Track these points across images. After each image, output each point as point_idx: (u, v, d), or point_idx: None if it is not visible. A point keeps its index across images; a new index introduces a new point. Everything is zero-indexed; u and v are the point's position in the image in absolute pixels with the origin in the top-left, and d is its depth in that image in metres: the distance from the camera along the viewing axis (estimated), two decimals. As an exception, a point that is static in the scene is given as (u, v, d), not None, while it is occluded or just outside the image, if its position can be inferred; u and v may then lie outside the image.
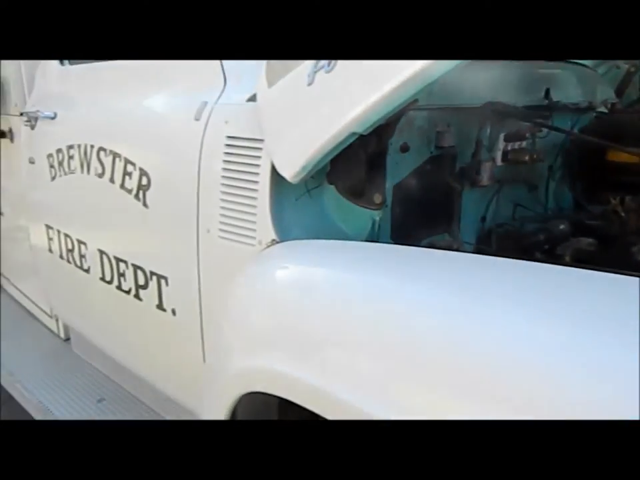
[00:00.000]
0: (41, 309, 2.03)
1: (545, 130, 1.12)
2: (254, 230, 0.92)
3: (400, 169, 0.94)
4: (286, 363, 0.75)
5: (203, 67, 1.05)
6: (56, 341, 1.94)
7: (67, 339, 1.90)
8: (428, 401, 0.60)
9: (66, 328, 1.89)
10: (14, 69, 1.67)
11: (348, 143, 0.78)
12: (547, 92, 1.14)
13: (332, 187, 0.94)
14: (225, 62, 1.02)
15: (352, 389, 0.65)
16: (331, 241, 0.87)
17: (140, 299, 1.21)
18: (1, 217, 2.16)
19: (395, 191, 0.94)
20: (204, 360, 1.08)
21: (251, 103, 0.94)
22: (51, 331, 1.99)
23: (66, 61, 1.48)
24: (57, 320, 1.92)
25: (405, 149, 0.92)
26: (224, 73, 1.02)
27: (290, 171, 0.84)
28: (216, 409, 0.88)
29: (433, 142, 0.98)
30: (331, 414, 0.67)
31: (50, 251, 1.54)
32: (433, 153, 0.99)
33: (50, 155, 1.43)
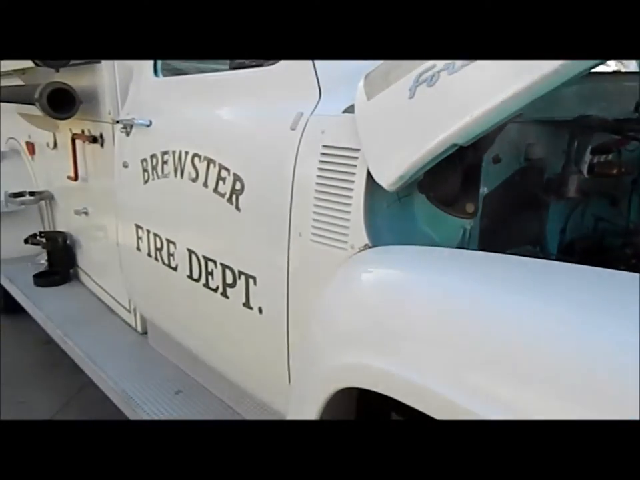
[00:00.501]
0: (119, 303, 2.16)
1: (635, 143, 1.11)
2: (346, 235, 0.97)
3: (490, 179, 0.96)
4: (382, 360, 0.79)
5: (297, 80, 1.11)
6: (133, 335, 2.06)
7: (144, 333, 2.02)
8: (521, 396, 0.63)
9: (143, 322, 2.00)
10: (108, 79, 1.80)
11: (447, 154, 0.82)
12: (637, 106, 1.13)
13: (422, 195, 0.97)
14: (320, 75, 1.08)
15: (444, 383, 0.69)
16: (424, 247, 0.90)
17: (227, 297, 1.28)
18: (86, 216, 2.31)
19: (484, 201, 0.96)
20: (288, 357, 1.13)
21: (347, 115, 0.99)
22: (129, 325, 2.11)
23: (160, 72, 1.59)
24: (134, 314, 2.04)
25: (496, 160, 0.94)
26: (319, 86, 1.07)
27: (387, 180, 0.88)
28: (308, 405, 0.93)
29: (522, 154, 1.00)
30: (426, 407, 0.71)
31: (138, 249, 1.65)
32: (522, 165, 1.01)
33: (144, 160, 1.53)
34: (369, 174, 0.93)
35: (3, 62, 2.35)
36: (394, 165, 0.86)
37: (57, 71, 1.90)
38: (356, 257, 0.94)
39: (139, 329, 2.03)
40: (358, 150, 0.94)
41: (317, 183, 1.01)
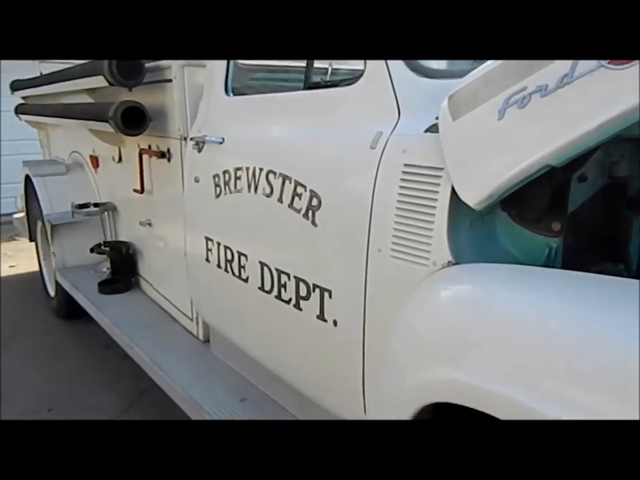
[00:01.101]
0: (182, 312, 2.23)
1: None
2: (428, 251, 0.99)
3: (575, 197, 0.97)
4: (470, 375, 0.80)
5: (376, 99, 1.15)
6: (196, 342, 2.12)
7: (206, 341, 2.08)
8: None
9: (206, 330, 2.07)
10: (178, 97, 1.88)
11: (538, 175, 0.83)
12: None
13: (505, 213, 0.99)
14: (399, 94, 1.11)
15: (530, 395, 0.71)
16: (510, 265, 0.91)
17: (300, 309, 1.32)
18: (149, 227, 2.41)
19: (569, 219, 0.97)
20: (363, 370, 1.16)
21: (428, 134, 1.01)
22: (191, 333, 2.18)
23: (230, 91, 1.65)
24: (197, 322, 2.11)
25: (582, 178, 0.95)
26: (398, 106, 1.10)
27: (475, 198, 0.90)
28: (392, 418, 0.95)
29: (606, 172, 1.00)
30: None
31: (207, 260, 1.71)
32: (605, 183, 1.01)
33: (216, 175, 1.60)
34: (452, 192, 0.95)
35: (72, 81, 2.48)
36: (482, 184, 0.88)
37: (130, 90, 2.01)
38: (439, 274, 0.96)
39: (201, 337, 2.10)
40: (441, 169, 0.97)
41: (398, 201, 1.03)
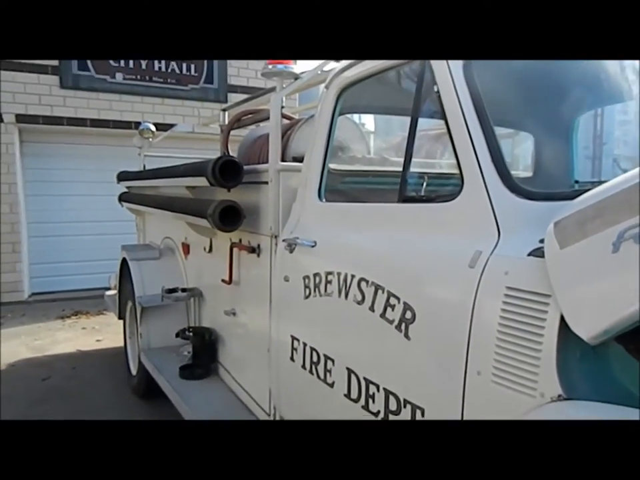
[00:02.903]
0: (259, 405, 2.22)
1: None
2: (535, 381, 0.94)
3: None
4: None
5: (475, 218, 1.16)
6: (271, 439, 2.09)
7: (282, 439, 2.04)
8: None
9: (282, 428, 2.04)
10: (273, 198, 2.00)
11: (662, 312, 0.79)
12: None
13: (620, 346, 0.93)
14: (498, 215, 1.12)
15: None
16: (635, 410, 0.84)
17: (389, 424, 1.27)
18: (233, 316, 2.49)
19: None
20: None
21: (532, 258, 1.00)
22: (266, 427, 2.15)
23: (323, 197, 1.74)
24: (274, 418, 2.08)
25: None
26: (497, 225, 1.11)
27: (589, 332, 0.86)
28: None
29: None
30: None
31: (292, 359, 1.72)
32: None
33: (306, 277, 1.65)
34: (561, 321, 0.91)
35: (176, 178, 2.72)
36: (597, 318, 0.85)
37: (229, 190, 2.16)
38: (549, 407, 0.91)
39: (277, 434, 2.06)
40: (548, 296, 0.94)
41: (501, 324, 1.01)
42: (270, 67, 1.96)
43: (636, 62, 1.50)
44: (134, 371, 3.53)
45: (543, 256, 0.97)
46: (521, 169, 2.23)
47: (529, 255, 1.01)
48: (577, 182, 1.73)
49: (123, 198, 4.24)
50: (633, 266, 0.82)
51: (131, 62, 6.34)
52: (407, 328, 1.23)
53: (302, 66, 1.98)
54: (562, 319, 0.91)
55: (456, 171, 1.24)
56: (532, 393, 0.94)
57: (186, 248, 3.21)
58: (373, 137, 2.90)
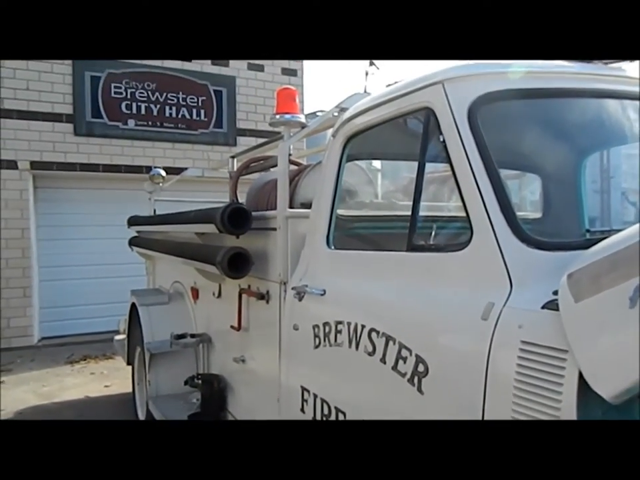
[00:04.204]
0: (269, 457, 2.16)
1: None
2: (555, 441, 0.90)
3: None
4: None
5: (486, 269, 1.14)
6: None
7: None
8: None
9: (293, 482, 1.97)
10: (281, 244, 2.00)
11: (685, 372, 0.76)
12: None
13: (643, 403, 0.89)
14: (510, 266, 1.10)
15: None
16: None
17: (403, 483, 1.22)
18: (243, 363, 2.45)
19: None
20: None
21: (547, 311, 0.98)
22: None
23: (332, 244, 1.73)
24: (284, 472, 2.02)
25: None
26: (509, 276, 1.09)
27: (610, 391, 0.83)
28: None
29: None
30: None
31: (302, 411, 1.68)
32: None
33: (316, 326, 1.62)
34: (580, 377, 0.88)
35: (185, 225, 2.74)
36: (618, 377, 0.82)
37: (237, 237, 2.17)
38: (571, 471, 0.86)
39: (288, 488, 1.99)
40: (565, 351, 0.91)
41: (517, 380, 0.98)
42: (277, 116, 2.00)
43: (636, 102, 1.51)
44: (142, 417, 3.47)
45: (557, 309, 0.95)
46: (530, 210, 2.23)
47: (543, 307, 0.99)
48: (588, 230, 1.71)
49: (133, 242, 4.27)
50: (652, 322, 0.79)
51: (143, 108, 6.52)
52: (419, 382, 1.19)
53: (308, 106, 2.01)
54: (580, 375, 0.88)
55: (465, 217, 1.23)
56: (553, 454, 0.90)
57: (195, 292, 3.20)
58: (380, 178, 2.93)
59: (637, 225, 0.91)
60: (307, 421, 1.08)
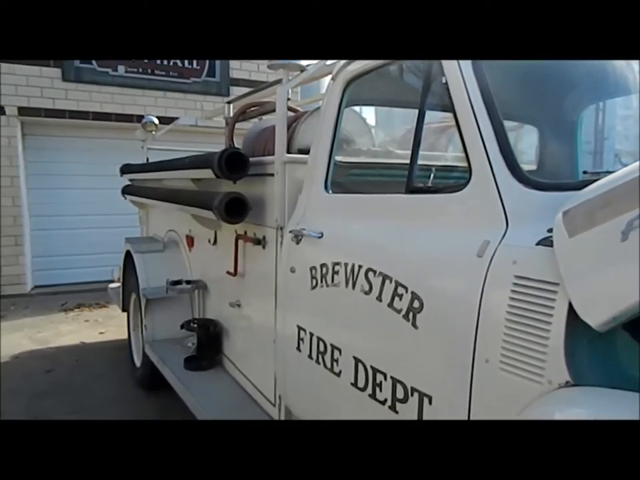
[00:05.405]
0: (264, 396, 2.24)
1: None
2: (543, 368, 0.96)
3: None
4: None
5: (483, 208, 1.17)
6: (277, 429, 2.11)
7: (287, 429, 2.06)
8: None
9: (287, 417, 2.05)
10: (279, 190, 2.01)
11: (669, 300, 0.80)
12: None
13: (626, 334, 0.95)
14: (507, 205, 1.13)
15: None
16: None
17: (396, 411, 1.29)
18: (238, 308, 2.50)
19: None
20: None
21: (541, 247, 1.01)
22: (270, 417, 2.17)
23: (330, 189, 1.75)
24: (279, 408, 2.10)
25: None
26: (506, 215, 1.12)
27: (597, 319, 0.87)
28: None
29: None
30: None
31: (298, 349, 1.74)
32: None
33: (313, 268, 1.66)
34: (569, 309, 0.93)
35: (181, 171, 2.73)
36: (606, 306, 0.86)
37: (235, 182, 2.17)
38: (556, 394, 0.92)
39: (282, 423, 2.09)
40: (557, 284, 0.95)
41: (509, 312, 1.02)
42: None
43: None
44: (138, 363, 3.56)
45: (551, 245, 0.98)
46: (526, 162, 2.25)
47: (538, 244, 1.03)
48: (585, 172, 1.74)
49: (126, 190, 4.24)
50: (641, 254, 0.83)
51: (133, 55, 6.33)
52: (414, 317, 1.24)
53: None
54: (570, 306, 0.93)
55: (463, 164, 1.25)
56: (540, 380, 0.96)
57: (190, 241, 3.22)
58: (374, 131, 2.91)
59: (631, 165, 0.93)
60: (305, 421, 1.10)
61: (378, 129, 2.93)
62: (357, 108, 2.54)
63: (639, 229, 0.83)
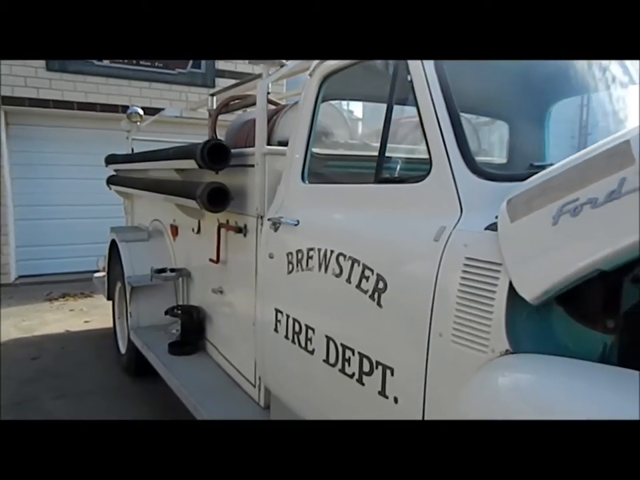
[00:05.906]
0: (245, 378, 2.35)
1: None
2: (487, 339, 1.07)
3: (629, 297, 1.03)
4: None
5: (440, 197, 1.28)
6: (257, 408, 2.22)
7: (267, 408, 2.17)
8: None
9: (267, 397, 2.16)
10: (259, 180, 2.10)
11: (590, 276, 0.92)
12: None
13: (560, 308, 1.07)
14: (461, 194, 1.24)
15: None
16: (564, 359, 0.98)
17: (362, 384, 1.41)
18: (221, 294, 2.60)
19: (625, 317, 1.03)
20: (422, 448, 1.22)
21: (488, 232, 1.13)
22: (252, 398, 2.28)
23: (306, 179, 1.85)
24: (259, 389, 2.21)
25: (635, 279, 1.02)
26: (460, 204, 1.23)
27: (531, 294, 0.99)
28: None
29: (659, 273, 1.06)
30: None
31: (276, 330, 1.85)
32: (659, 283, 1.07)
33: (289, 253, 1.76)
34: (510, 286, 1.04)
35: (164, 161, 2.80)
36: (538, 281, 0.98)
37: (217, 173, 2.26)
38: (497, 361, 1.04)
39: (262, 403, 2.19)
40: (500, 264, 1.07)
41: (459, 290, 1.14)
42: (256, 54, 2.05)
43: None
44: (123, 350, 3.64)
45: (496, 229, 1.10)
46: (497, 156, 2.37)
47: (486, 229, 1.14)
48: (531, 165, 1.86)
49: (111, 181, 4.29)
50: (568, 236, 0.95)
51: (118, 45, 6.33)
52: (379, 297, 1.35)
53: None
54: (510, 284, 1.04)
55: (426, 156, 1.35)
56: (485, 350, 1.07)
57: (174, 230, 3.30)
58: (361, 124, 3.01)
59: (566, 159, 1.05)
60: (299, 420, 1.15)
61: (363, 122, 3.03)
62: (343, 102, 2.64)
63: (567, 214, 0.95)
